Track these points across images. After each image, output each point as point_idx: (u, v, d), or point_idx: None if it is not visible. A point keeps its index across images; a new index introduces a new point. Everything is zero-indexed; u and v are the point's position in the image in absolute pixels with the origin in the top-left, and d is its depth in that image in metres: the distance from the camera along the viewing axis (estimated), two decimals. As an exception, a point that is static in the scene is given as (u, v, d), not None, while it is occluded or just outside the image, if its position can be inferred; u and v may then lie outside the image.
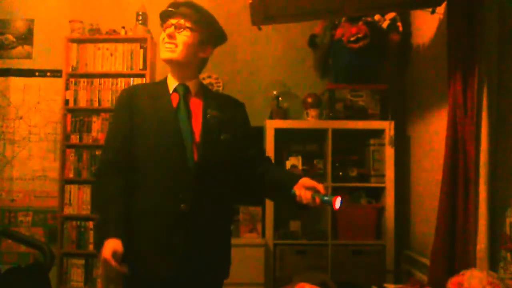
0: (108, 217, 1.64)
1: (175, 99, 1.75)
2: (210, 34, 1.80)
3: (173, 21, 1.73)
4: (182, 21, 1.72)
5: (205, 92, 1.84)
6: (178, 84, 1.77)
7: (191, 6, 1.77)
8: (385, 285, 2.57)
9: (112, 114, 1.84)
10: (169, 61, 1.74)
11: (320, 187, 1.59)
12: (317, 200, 1.57)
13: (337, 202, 1.55)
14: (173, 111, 1.72)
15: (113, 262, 1.52)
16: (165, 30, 1.74)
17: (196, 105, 1.77)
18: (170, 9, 1.75)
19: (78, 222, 3.23)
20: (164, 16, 1.77)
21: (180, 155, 1.68)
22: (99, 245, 1.58)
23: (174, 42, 1.71)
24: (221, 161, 1.73)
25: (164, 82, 1.82)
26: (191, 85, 1.79)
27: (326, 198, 1.56)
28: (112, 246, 1.55)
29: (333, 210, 1.71)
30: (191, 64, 1.77)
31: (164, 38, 1.73)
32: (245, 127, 1.87)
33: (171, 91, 1.77)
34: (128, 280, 1.63)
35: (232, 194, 1.83)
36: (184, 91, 1.76)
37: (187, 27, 1.73)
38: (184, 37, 1.72)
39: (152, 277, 1.66)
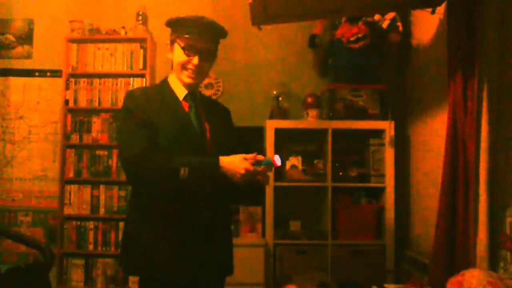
0: (190, 160, 1.65)
1: (185, 105, 1.80)
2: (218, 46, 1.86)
3: (198, 47, 1.73)
4: (208, 48, 1.76)
5: (201, 96, 1.91)
6: (188, 93, 1.81)
7: (215, 29, 1.79)
8: (385, 285, 2.57)
9: (124, 113, 1.81)
10: (191, 85, 1.80)
11: (259, 156, 1.69)
12: (260, 167, 1.67)
13: (277, 159, 1.68)
14: (187, 117, 1.77)
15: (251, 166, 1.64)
16: (189, 55, 1.74)
17: (201, 110, 1.83)
18: (198, 32, 1.73)
19: (78, 222, 3.23)
20: (186, 34, 1.74)
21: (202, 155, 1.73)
22: (210, 173, 1.66)
23: (200, 71, 1.77)
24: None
25: (168, 86, 1.82)
26: (197, 92, 1.87)
27: (265, 160, 1.68)
28: (232, 158, 1.66)
29: (276, 168, 1.78)
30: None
31: (187, 64, 1.75)
32: (233, 131, 1.96)
33: (181, 98, 1.80)
34: (145, 282, 1.70)
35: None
36: (193, 99, 1.82)
37: (212, 55, 1.80)
38: (208, 64, 1.80)
39: (169, 280, 1.69)
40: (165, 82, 1.85)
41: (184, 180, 1.62)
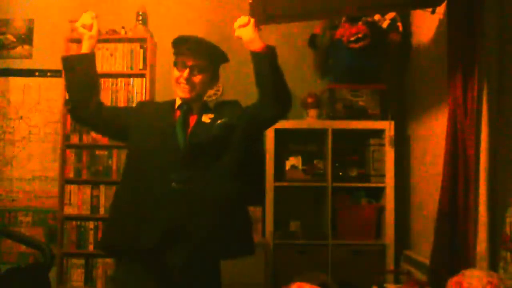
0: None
1: (177, 114, 1.90)
2: (218, 67, 1.98)
3: (187, 62, 1.85)
4: (196, 63, 1.85)
5: (204, 108, 1.94)
6: (182, 103, 1.91)
7: (204, 45, 1.90)
8: (385, 285, 2.57)
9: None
10: (186, 99, 1.88)
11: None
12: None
13: None
14: (172, 122, 1.87)
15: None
16: (180, 70, 1.85)
17: (192, 117, 1.90)
18: (185, 48, 1.85)
19: (78, 222, 3.23)
20: (178, 53, 1.88)
21: (172, 142, 1.81)
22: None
23: (191, 84, 1.86)
24: (212, 144, 1.82)
25: (172, 101, 1.96)
26: (195, 105, 1.92)
27: None
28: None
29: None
30: (202, 96, 1.94)
31: (179, 78, 1.86)
32: (242, 110, 1.95)
33: (176, 108, 1.92)
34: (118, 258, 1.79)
35: (233, 188, 1.83)
36: (187, 108, 1.89)
37: (202, 70, 1.88)
38: (199, 78, 1.87)
39: (137, 249, 1.72)
40: (173, 100, 1.96)
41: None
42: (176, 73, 1.87)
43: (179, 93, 1.88)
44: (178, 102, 1.93)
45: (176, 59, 1.88)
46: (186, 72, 1.84)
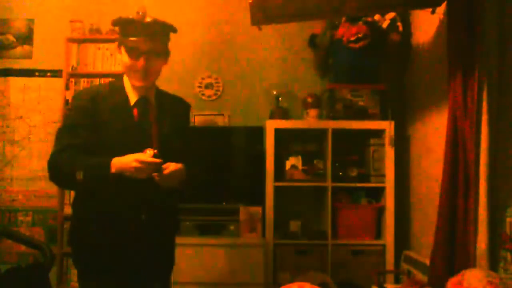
0: (87, 162, 1.65)
1: (135, 113, 1.78)
2: (167, 44, 1.82)
3: (142, 47, 1.69)
4: (153, 48, 1.70)
5: (159, 97, 1.86)
6: (139, 98, 1.78)
7: (158, 25, 1.75)
8: (385, 285, 2.57)
9: (65, 115, 1.84)
10: (141, 87, 1.76)
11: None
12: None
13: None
14: (135, 125, 1.76)
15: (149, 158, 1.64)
16: (133, 57, 1.70)
17: (154, 114, 1.80)
18: (138, 31, 1.70)
19: (78, 222, 3.23)
20: (127, 36, 1.73)
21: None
22: (99, 174, 1.65)
23: (147, 72, 1.72)
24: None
25: (122, 89, 1.79)
26: (151, 96, 1.82)
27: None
28: (127, 157, 1.64)
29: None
30: (155, 81, 1.82)
31: (133, 67, 1.71)
32: (184, 131, 1.93)
33: (131, 103, 1.78)
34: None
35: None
36: (144, 106, 1.78)
37: (159, 56, 1.74)
38: (157, 64, 1.75)
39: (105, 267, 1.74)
40: (119, 84, 1.81)
41: (81, 183, 1.63)
42: (126, 59, 1.71)
43: (134, 82, 1.75)
44: (128, 89, 1.78)
45: (125, 44, 1.71)
46: (141, 60, 1.69)
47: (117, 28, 1.81)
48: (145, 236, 1.77)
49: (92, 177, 1.64)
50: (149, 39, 1.69)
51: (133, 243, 1.75)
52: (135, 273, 1.78)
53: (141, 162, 1.63)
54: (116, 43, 1.79)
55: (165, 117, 1.83)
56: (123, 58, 1.74)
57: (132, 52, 1.70)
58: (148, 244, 1.78)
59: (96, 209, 1.75)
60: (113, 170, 1.64)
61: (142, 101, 1.79)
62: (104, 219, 1.73)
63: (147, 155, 1.66)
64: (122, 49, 1.75)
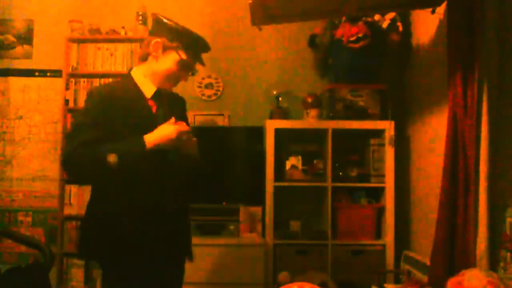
0: (115, 146, 1.67)
1: (152, 105, 1.83)
2: None
3: (193, 64, 1.86)
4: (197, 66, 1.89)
5: (163, 91, 1.92)
6: (156, 91, 1.84)
7: (209, 49, 1.93)
8: (385, 285, 2.57)
9: (79, 113, 1.86)
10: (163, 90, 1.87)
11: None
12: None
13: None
14: (154, 119, 1.80)
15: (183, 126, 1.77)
16: (184, 71, 1.83)
17: (167, 108, 1.88)
18: (198, 51, 1.86)
19: (78, 222, 3.22)
20: (193, 56, 1.83)
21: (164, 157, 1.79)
22: (136, 150, 1.69)
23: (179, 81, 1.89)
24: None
25: (133, 83, 1.83)
26: (165, 92, 1.90)
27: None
28: (159, 130, 1.74)
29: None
30: None
31: (175, 77, 1.84)
32: (186, 116, 2.05)
33: (148, 96, 1.83)
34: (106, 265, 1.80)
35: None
36: (160, 98, 1.86)
37: None
38: None
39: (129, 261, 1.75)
40: (129, 78, 1.84)
41: (115, 166, 1.62)
42: (172, 66, 1.80)
43: (163, 85, 1.84)
44: (141, 82, 1.82)
45: (181, 54, 1.79)
46: (186, 76, 1.87)
47: (166, 32, 1.83)
48: (171, 225, 1.83)
49: (129, 155, 1.66)
50: (202, 59, 1.85)
51: (159, 233, 1.78)
52: (159, 261, 1.82)
53: (180, 131, 1.73)
54: (160, 42, 1.81)
55: (175, 109, 1.93)
56: (167, 63, 1.80)
57: (184, 65, 1.81)
58: (173, 232, 1.84)
59: (121, 202, 1.74)
60: (148, 146, 1.69)
61: (158, 93, 1.85)
62: (132, 212, 1.74)
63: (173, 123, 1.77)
64: (172, 55, 1.81)
